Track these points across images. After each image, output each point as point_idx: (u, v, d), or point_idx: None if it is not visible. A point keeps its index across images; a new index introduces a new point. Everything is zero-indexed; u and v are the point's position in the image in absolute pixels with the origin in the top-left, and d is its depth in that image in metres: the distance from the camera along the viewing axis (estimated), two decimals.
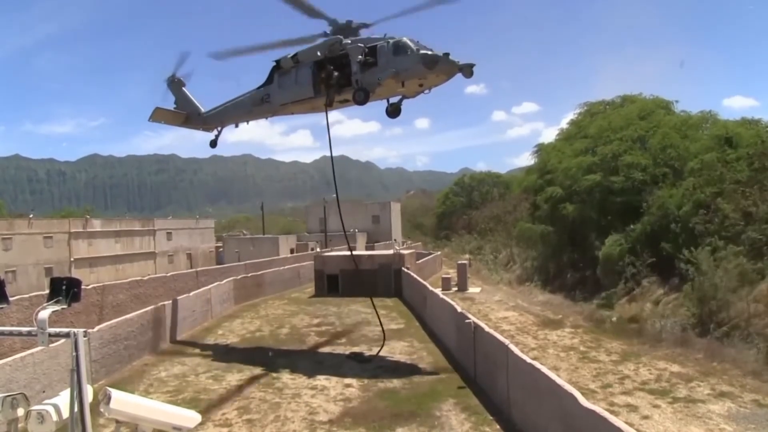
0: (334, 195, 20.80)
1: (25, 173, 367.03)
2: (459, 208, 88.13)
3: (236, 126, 22.75)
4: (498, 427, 12.12)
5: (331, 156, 19.94)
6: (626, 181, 27.47)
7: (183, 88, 23.34)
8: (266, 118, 21.87)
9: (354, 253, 40.26)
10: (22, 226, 49.12)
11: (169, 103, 23.32)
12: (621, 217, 27.52)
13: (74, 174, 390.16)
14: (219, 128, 23.04)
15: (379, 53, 17.40)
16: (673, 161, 27.04)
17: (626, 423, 8.54)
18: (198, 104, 23.23)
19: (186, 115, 23.08)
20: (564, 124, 42.70)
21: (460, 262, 40.62)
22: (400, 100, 19.09)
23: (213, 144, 23.45)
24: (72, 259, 51.95)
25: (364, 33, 18.55)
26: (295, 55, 19.17)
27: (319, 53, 18.52)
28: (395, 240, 62.78)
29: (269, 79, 20.34)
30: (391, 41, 17.33)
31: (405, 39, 17.13)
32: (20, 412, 4.67)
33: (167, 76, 23.13)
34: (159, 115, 22.46)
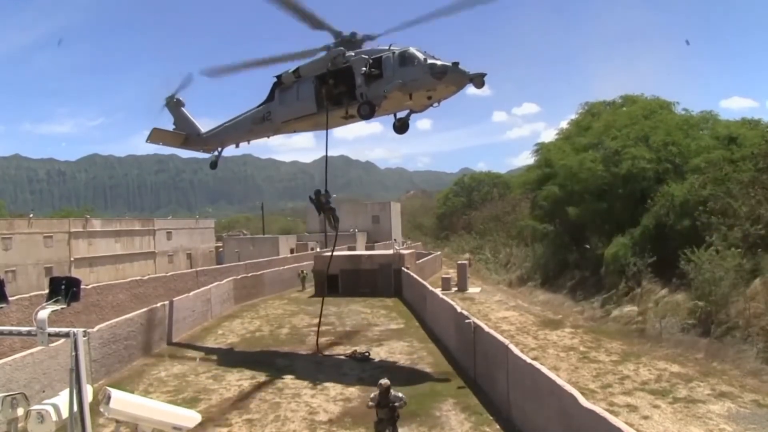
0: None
1: (25, 173, 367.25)
2: (459, 208, 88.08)
3: (236, 146, 22.26)
4: (498, 427, 12.13)
5: (326, 169, 19.06)
6: (631, 167, 27.18)
7: (182, 108, 22.98)
8: (268, 137, 21.29)
9: (354, 253, 40.39)
10: (22, 226, 49.06)
11: (166, 122, 23.06)
12: (623, 216, 27.48)
13: (74, 174, 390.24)
14: (219, 149, 22.61)
15: (384, 65, 16.64)
16: (675, 157, 26.99)
17: (626, 423, 8.54)
18: (197, 124, 22.85)
19: (185, 136, 22.74)
20: (564, 124, 42.59)
21: (460, 262, 40.64)
22: (408, 115, 18.42)
23: (213, 165, 23.06)
24: (72, 259, 51.92)
25: (368, 45, 17.87)
26: (297, 69, 18.49)
27: (321, 66, 17.89)
28: (395, 240, 62.77)
29: (270, 96, 19.70)
30: (396, 52, 16.56)
31: (411, 49, 16.38)
32: (20, 411, 4.68)
33: (167, 95, 22.81)
34: (157, 136, 22.20)
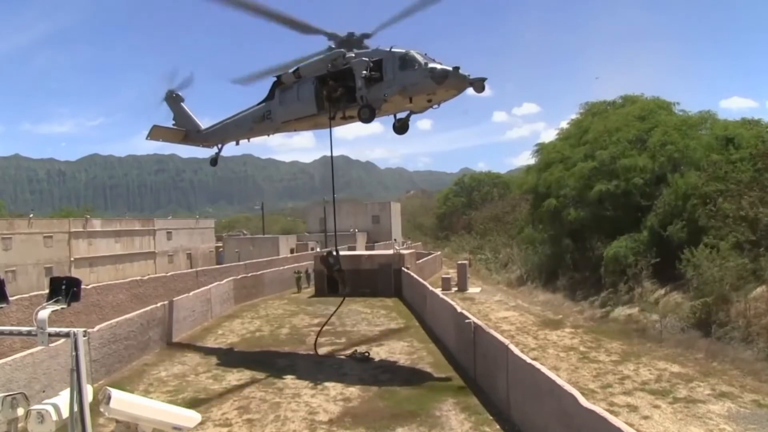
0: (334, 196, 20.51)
1: (25, 173, 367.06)
2: (459, 208, 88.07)
3: (237, 143, 22.21)
4: (498, 427, 12.13)
5: (332, 168, 19.26)
6: (627, 185, 27.41)
7: (182, 104, 22.85)
8: (268, 135, 21.26)
9: (354, 253, 40.39)
10: (22, 226, 49.08)
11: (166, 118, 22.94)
12: (624, 218, 27.48)
13: (74, 174, 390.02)
14: (219, 146, 22.56)
15: (384, 67, 16.55)
16: (673, 155, 27.00)
17: (626, 423, 8.54)
18: (197, 120, 22.77)
19: (185, 133, 22.65)
20: (564, 124, 42.54)
21: (460, 262, 40.64)
22: (408, 116, 18.42)
23: (213, 163, 23.01)
24: (72, 259, 51.92)
25: (367, 42, 17.78)
26: (297, 69, 18.44)
27: (321, 68, 17.84)
28: (395, 240, 62.79)
29: (270, 95, 19.67)
30: (397, 54, 16.46)
31: (412, 52, 16.30)
32: (20, 411, 4.66)
33: (165, 90, 22.70)
34: (157, 133, 22.08)
